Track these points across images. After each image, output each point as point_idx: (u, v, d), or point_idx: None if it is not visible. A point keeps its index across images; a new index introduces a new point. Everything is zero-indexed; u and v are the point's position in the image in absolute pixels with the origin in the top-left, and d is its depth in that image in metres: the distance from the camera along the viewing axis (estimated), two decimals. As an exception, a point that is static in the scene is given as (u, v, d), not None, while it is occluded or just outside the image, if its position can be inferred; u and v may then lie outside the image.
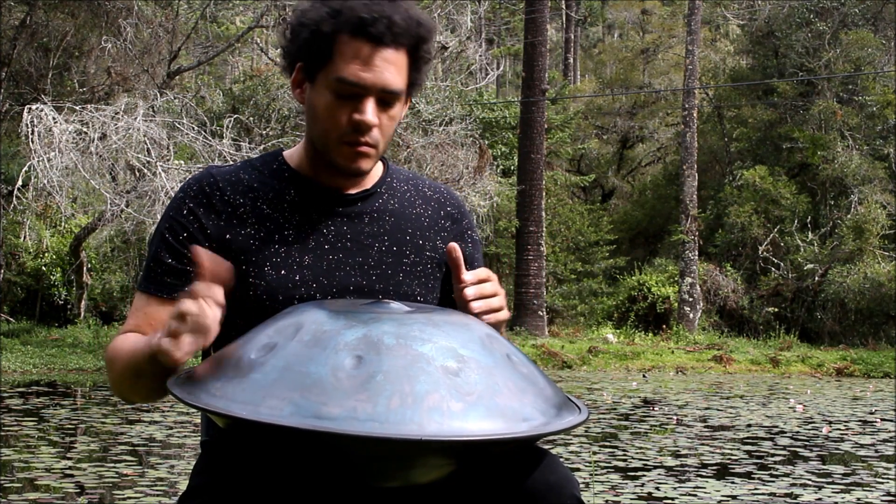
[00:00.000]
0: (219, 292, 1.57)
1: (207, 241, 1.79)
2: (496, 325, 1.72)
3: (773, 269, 21.85)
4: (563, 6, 34.20)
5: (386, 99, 1.76)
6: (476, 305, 1.71)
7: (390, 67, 1.74)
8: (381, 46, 1.73)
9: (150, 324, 1.78)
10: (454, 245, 1.74)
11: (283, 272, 1.78)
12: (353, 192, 1.86)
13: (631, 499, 5.71)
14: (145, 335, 1.73)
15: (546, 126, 20.96)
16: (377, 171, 1.91)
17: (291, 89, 1.84)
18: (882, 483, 6.43)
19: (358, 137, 1.75)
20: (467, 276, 1.73)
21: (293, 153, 1.89)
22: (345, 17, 1.73)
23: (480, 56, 25.03)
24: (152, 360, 1.61)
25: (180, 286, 1.76)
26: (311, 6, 1.77)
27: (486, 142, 20.46)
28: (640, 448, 7.71)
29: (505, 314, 1.75)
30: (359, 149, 1.77)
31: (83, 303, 17.64)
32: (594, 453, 7.34)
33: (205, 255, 1.60)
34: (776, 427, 9.26)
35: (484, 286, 1.74)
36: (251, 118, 16.13)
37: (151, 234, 1.89)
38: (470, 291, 1.72)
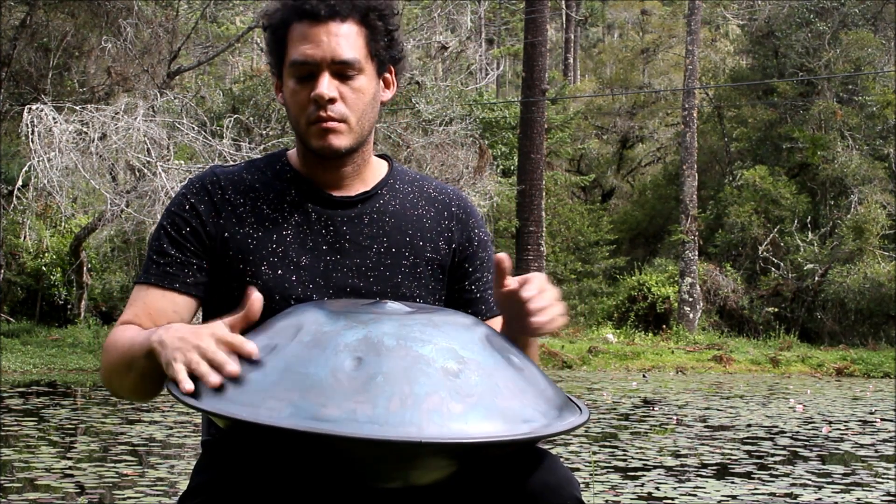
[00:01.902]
0: (251, 345, 1.54)
1: (207, 239, 1.80)
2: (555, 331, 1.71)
3: (773, 269, 21.85)
4: (563, 6, 34.19)
5: (341, 71, 1.77)
6: (539, 320, 1.67)
7: (336, 39, 1.76)
8: (322, 21, 1.76)
9: (149, 314, 1.77)
10: (501, 256, 1.70)
11: (279, 272, 1.79)
12: (353, 193, 1.86)
13: (631, 499, 5.71)
14: (143, 327, 1.73)
15: (546, 126, 20.96)
16: (380, 171, 1.91)
17: (276, 95, 1.88)
18: (882, 483, 6.42)
19: (319, 113, 1.77)
20: (529, 291, 1.68)
21: (294, 154, 1.90)
22: (288, 5, 1.78)
23: (480, 56, 25.03)
24: (148, 355, 1.61)
25: (181, 277, 1.78)
26: (267, 7, 1.84)
27: (486, 142, 20.47)
28: (640, 448, 7.71)
29: (564, 319, 1.73)
30: (324, 125, 1.77)
31: (83, 303, 17.64)
32: (594, 453, 7.34)
33: (255, 297, 1.59)
34: (776, 427, 9.26)
35: (544, 295, 1.69)
36: (251, 118, 16.14)
37: (152, 233, 1.89)
38: (535, 305, 1.67)
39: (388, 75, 1.86)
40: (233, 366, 1.50)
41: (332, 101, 1.76)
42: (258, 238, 1.80)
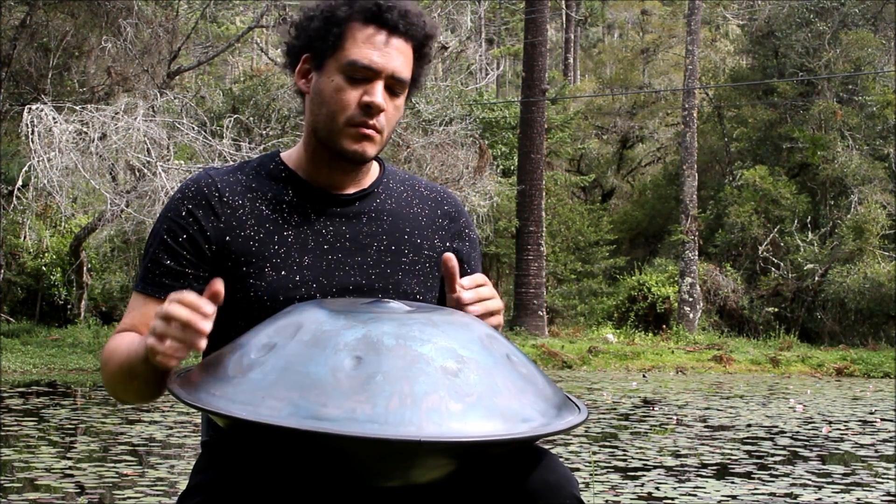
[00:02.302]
0: (209, 305, 1.56)
1: (207, 244, 1.80)
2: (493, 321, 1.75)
3: (773, 269, 21.85)
4: (563, 6, 34.19)
5: (394, 87, 1.79)
6: (473, 309, 1.73)
7: (400, 56, 1.79)
8: (394, 34, 1.78)
9: (146, 324, 1.77)
10: (449, 255, 1.76)
11: (282, 273, 1.79)
12: (350, 192, 1.87)
13: (631, 499, 5.71)
14: (141, 335, 1.73)
15: (546, 126, 20.96)
16: (374, 171, 1.92)
17: (296, 80, 1.85)
18: (882, 483, 6.42)
19: (366, 120, 1.78)
20: (463, 281, 1.75)
21: (291, 154, 1.90)
22: (360, 3, 1.78)
23: (480, 56, 25.04)
24: (146, 361, 1.62)
25: (178, 288, 1.77)
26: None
27: (486, 142, 20.46)
28: (640, 448, 7.71)
29: (500, 318, 1.77)
30: (365, 131, 1.78)
31: (83, 303, 17.64)
32: (594, 453, 7.34)
33: (218, 284, 1.60)
34: (776, 427, 9.26)
35: (481, 290, 1.76)
36: (251, 118, 16.14)
37: (148, 235, 1.87)
38: (467, 295, 1.73)
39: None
40: (203, 321, 1.54)
41: (380, 111, 1.78)
42: (259, 240, 1.80)
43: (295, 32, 1.84)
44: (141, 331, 1.77)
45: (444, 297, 1.91)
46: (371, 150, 1.81)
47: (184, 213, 1.81)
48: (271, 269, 1.79)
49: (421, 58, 1.83)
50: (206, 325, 1.55)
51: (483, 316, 1.73)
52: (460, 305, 1.73)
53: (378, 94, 1.77)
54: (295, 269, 1.79)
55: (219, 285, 1.58)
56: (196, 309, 1.54)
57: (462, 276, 1.92)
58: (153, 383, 1.69)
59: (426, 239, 1.90)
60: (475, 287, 1.76)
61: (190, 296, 1.55)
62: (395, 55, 1.78)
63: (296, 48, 1.84)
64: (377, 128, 1.79)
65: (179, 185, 1.91)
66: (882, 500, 5.84)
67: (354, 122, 1.78)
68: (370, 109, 1.77)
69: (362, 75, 1.77)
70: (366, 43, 1.77)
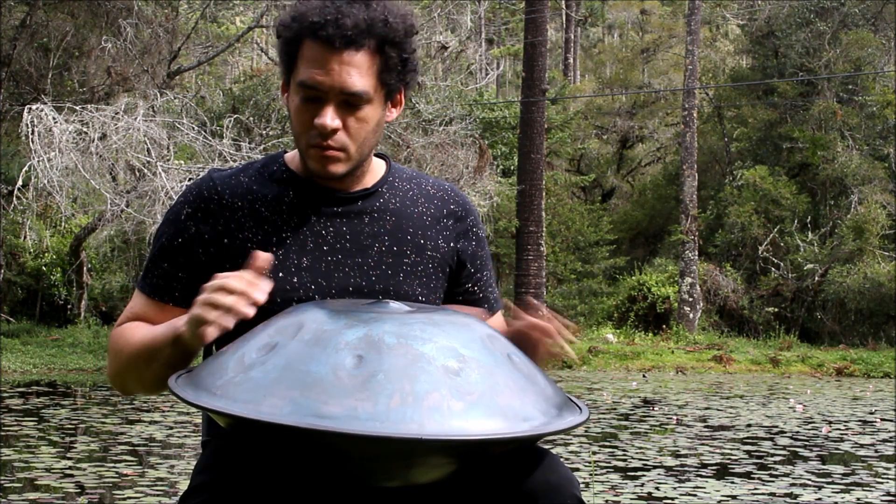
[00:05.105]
0: (266, 281, 1.64)
1: (203, 247, 1.80)
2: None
3: (773, 269, 21.84)
4: (563, 6, 34.19)
5: (349, 101, 1.74)
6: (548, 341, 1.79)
7: (348, 69, 1.72)
8: (336, 50, 1.72)
9: (146, 321, 1.80)
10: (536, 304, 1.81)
11: (280, 274, 1.78)
12: (352, 191, 1.85)
13: (631, 499, 5.71)
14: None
15: (546, 126, 20.95)
16: (378, 169, 1.90)
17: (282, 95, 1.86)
18: (882, 483, 6.42)
19: (320, 141, 1.75)
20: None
21: (294, 155, 1.89)
22: (302, 21, 1.74)
23: (480, 56, 25.03)
24: (174, 343, 1.65)
25: (172, 291, 1.80)
26: (285, 12, 1.80)
27: (486, 142, 20.46)
28: (640, 448, 7.70)
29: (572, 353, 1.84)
30: (325, 153, 1.76)
31: (83, 303, 17.63)
32: (594, 453, 7.33)
33: (262, 258, 1.65)
34: (776, 427, 9.26)
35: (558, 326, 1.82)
36: (251, 118, 16.13)
37: (153, 233, 1.89)
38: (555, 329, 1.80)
39: (397, 95, 1.83)
40: (258, 292, 1.61)
41: (334, 131, 1.74)
42: (258, 242, 1.80)
43: (277, 52, 1.84)
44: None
45: (448, 298, 1.90)
46: (338, 167, 1.78)
47: (183, 217, 1.82)
48: (269, 271, 1.78)
49: (387, 58, 1.75)
50: (261, 296, 1.61)
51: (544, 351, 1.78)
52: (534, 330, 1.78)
53: (327, 115, 1.73)
54: (293, 271, 1.79)
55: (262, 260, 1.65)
56: (252, 283, 1.61)
57: (469, 280, 1.92)
58: (174, 367, 1.69)
59: (430, 239, 1.88)
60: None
61: (247, 273, 1.62)
62: (340, 70, 1.71)
63: (280, 62, 1.84)
64: (335, 147, 1.75)
65: (183, 189, 1.92)
66: (882, 500, 5.84)
67: (312, 144, 1.76)
68: (322, 131, 1.74)
69: (312, 95, 1.73)
70: (312, 62, 1.73)
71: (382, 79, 1.76)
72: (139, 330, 1.75)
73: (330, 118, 1.73)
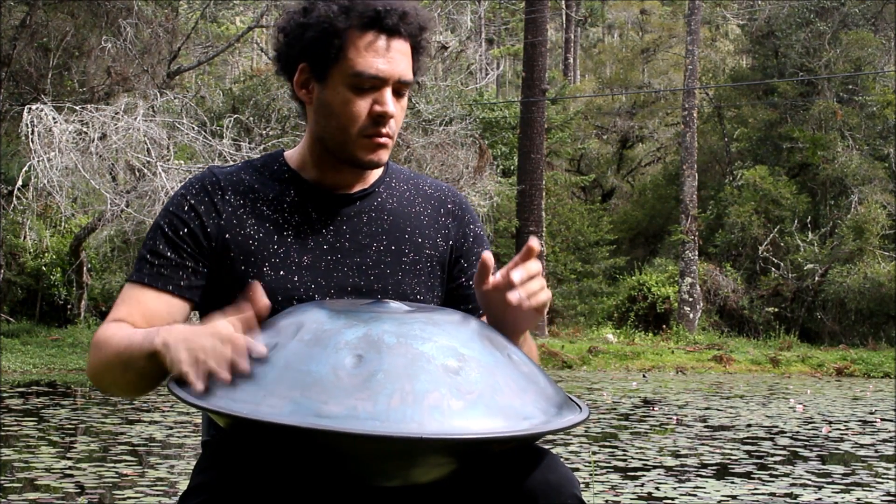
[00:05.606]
0: (259, 348, 1.54)
1: (206, 240, 1.79)
2: (539, 309, 1.68)
3: (773, 269, 21.85)
4: (563, 6, 34.19)
5: (400, 90, 1.78)
6: (517, 295, 1.66)
7: (403, 58, 1.77)
8: (394, 37, 1.75)
9: (143, 314, 1.76)
10: (487, 255, 1.70)
11: (281, 273, 1.78)
12: (352, 191, 1.86)
13: (631, 499, 5.71)
14: (136, 327, 1.72)
15: (546, 126, 20.96)
16: (376, 170, 1.91)
17: (295, 91, 1.82)
18: (882, 483, 6.42)
19: (379, 129, 1.77)
20: (514, 274, 1.67)
21: (294, 154, 1.89)
22: (358, 11, 1.74)
23: (480, 56, 25.04)
24: (150, 357, 1.61)
25: (175, 280, 1.77)
26: (312, 6, 1.77)
27: (486, 142, 20.47)
28: (640, 448, 7.70)
29: (546, 294, 1.69)
30: (378, 140, 1.78)
31: (83, 303, 17.63)
32: (594, 453, 7.33)
33: (260, 293, 1.60)
34: (776, 427, 9.26)
35: (530, 284, 1.68)
36: (251, 118, 16.13)
37: (147, 232, 1.86)
38: (516, 275, 1.66)
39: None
40: (243, 363, 1.51)
41: (391, 118, 1.77)
42: (259, 239, 1.80)
43: (286, 40, 1.80)
44: (136, 321, 1.75)
45: (447, 298, 1.90)
46: (385, 156, 1.81)
47: (186, 208, 1.81)
48: (270, 269, 1.78)
49: (419, 52, 1.81)
50: (246, 366, 1.52)
51: (528, 313, 1.67)
52: (501, 290, 1.67)
53: (389, 102, 1.75)
54: (294, 270, 1.79)
55: (261, 301, 1.59)
56: (241, 351, 1.53)
57: (463, 275, 1.92)
58: (149, 379, 1.67)
59: (428, 238, 1.89)
60: (527, 276, 1.67)
61: (236, 337, 1.54)
62: (398, 59, 1.76)
63: (290, 57, 1.80)
64: (389, 134, 1.78)
65: (183, 182, 1.90)
66: (882, 500, 5.84)
67: (367, 133, 1.77)
68: (383, 119, 1.76)
69: (370, 85, 1.75)
70: (368, 51, 1.74)
71: (415, 68, 1.82)
72: (122, 332, 1.71)
73: (392, 105, 1.76)
